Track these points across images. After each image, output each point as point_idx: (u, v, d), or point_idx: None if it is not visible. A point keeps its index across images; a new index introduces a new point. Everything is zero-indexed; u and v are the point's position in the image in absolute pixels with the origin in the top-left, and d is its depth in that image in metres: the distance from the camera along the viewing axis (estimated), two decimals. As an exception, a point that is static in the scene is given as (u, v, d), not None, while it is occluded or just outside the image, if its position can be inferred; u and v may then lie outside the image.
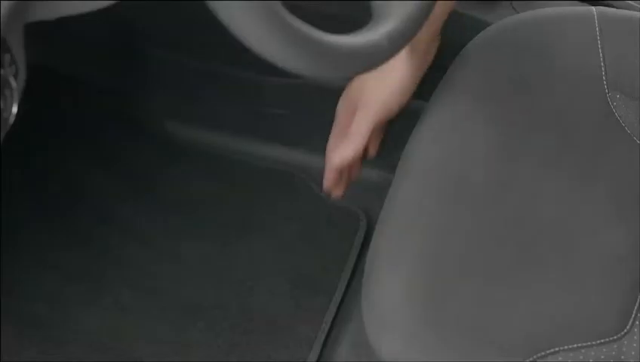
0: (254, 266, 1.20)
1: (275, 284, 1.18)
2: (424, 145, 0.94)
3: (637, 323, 0.84)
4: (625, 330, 0.84)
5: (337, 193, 1.08)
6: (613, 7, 1.06)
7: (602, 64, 0.96)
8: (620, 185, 0.91)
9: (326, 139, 1.07)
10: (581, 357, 0.83)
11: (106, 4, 0.69)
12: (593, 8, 1.01)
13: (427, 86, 0.99)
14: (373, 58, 0.70)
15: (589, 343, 0.83)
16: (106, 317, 1.21)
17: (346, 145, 1.01)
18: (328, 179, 1.07)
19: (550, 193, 0.91)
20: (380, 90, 0.99)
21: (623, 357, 0.83)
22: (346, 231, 1.21)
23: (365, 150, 1.04)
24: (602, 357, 0.83)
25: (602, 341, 0.84)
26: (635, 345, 0.83)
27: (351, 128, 1.01)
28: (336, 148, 1.03)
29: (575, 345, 0.83)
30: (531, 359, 0.83)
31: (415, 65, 0.98)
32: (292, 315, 1.14)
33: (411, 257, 0.88)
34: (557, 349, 0.83)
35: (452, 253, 0.88)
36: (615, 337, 0.84)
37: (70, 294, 1.22)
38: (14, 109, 0.66)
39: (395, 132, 1.07)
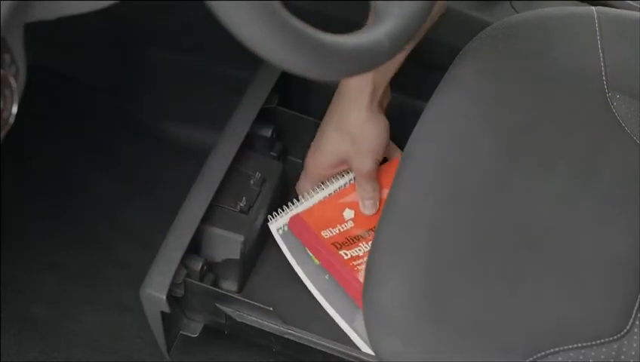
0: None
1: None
2: (424, 145, 0.94)
3: (637, 323, 0.84)
4: (625, 330, 0.84)
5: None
6: (613, 7, 1.06)
7: (602, 64, 0.96)
8: (619, 184, 0.91)
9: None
10: (581, 357, 0.83)
11: (106, 4, 0.69)
12: (593, 8, 1.01)
13: (427, 86, 0.99)
14: (374, 58, 0.70)
15: (589, 343, 0.83)
16: (106, 317, 1.21)
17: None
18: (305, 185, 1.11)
19: (550, 192, 0.91)
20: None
21: (622, 357, 0.83)
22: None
23: None
24: (602, 357, 0.83)
25: (602, 341, 0.84)
26: (635, 345, 0.83)
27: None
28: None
29: (575, 345, 0.83)
30: (531, 359, 0.83)
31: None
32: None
33: (411, 257, 0.88)
34: (557, 349, 0.83)
35: (452, 253, 0.88)
36: (615, 337, 0.84)
37: (70, 294, 1.22)
38: (14, 109, 0.66)
39: (395, 131, 1.07)
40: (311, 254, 1.06)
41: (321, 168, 1.09)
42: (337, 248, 1.04)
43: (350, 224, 1.07)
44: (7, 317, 1.18)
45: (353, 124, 1.03)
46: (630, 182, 0.91)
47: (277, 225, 1.07)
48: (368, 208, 1.07)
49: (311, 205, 1.08)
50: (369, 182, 1.06)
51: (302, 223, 1.05)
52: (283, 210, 1.08)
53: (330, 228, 1.05)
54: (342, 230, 1.06)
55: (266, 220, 1.08)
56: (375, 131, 1.04)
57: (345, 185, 1.09)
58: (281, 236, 1.06)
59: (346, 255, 1.03)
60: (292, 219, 1.05)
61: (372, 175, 1.06)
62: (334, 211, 1.07)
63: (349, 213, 1.07)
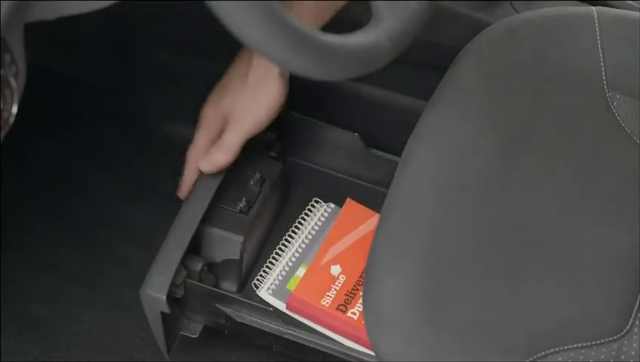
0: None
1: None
2: (424, 145, 0.94)
3: (637, 323, 0.84)
4: (625, 330, 0.84)
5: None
6: (613, 7, 1.06)
7: (602, 64, 0.97)
8: (619, 184, 0.91)
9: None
10: (581, 357, 0.83)
11: (106, 4, 0.69)
12: (593, 8, 1.01)
13: (427, 85, 0.99)
14: (374, 58, 0.70)
15: (589, 343, 0.83)
16: (106, 317, 1.21)
17: (218, 154, 1.02)
18: (188, 184, 1.06)
19: (550, 192, 0.91)
20: (254, 106, 1.00)
21: (622, 357, 0.83)
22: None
23: None
24: (602, 357, 0.83)
25: (602, 341, 0.84)
26: (635, 345, 0.83)
27: (224, 139, 1.02)
28: (206, 155, 1.03)
29: (575, 345, 0.83)
30: (531, 359, 0.83)
31: (285, 82, 1.00)
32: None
33: (411, 257, 0.88)
34: (557, 349, 0.83)
35: (452, 253, 0.88)
36: (615, 337, 0.84)
37: (70, 294, 1.22)
38: (14, 109, 0.66)
39: (395, 131, 1.07)
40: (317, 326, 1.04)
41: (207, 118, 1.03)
42: (343, 311, 1.03)
43: (342, 278, 1.05)
44: (7, 317, 1.18)
45: (260, 76, 0.99)
46: (630, 182, 0.91)
47: (265, 288, 1.05)
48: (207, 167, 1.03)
49: (286, 261, 1.07)
50: (231, 155, 1.00)
51: (300, 301, 1.04)
52: (265, 273, 1.07)
53: (327, 293, 1.04)
54: (338, 288, 1.04)
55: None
56: (276, 94, 0.99)
57: (304, 242, 1.08)
58: (272, 295, 1.05)
59: (355, 314, 1.02)
60: (289, 300, 1.03)
61: (238, 148, 1.01)
62: (322, 274, 1.06)
63: (335, 269, 1.06)
